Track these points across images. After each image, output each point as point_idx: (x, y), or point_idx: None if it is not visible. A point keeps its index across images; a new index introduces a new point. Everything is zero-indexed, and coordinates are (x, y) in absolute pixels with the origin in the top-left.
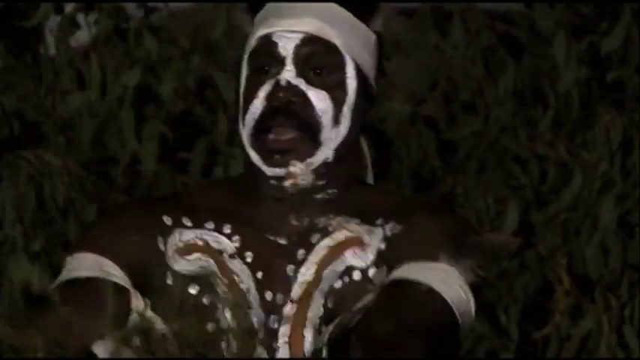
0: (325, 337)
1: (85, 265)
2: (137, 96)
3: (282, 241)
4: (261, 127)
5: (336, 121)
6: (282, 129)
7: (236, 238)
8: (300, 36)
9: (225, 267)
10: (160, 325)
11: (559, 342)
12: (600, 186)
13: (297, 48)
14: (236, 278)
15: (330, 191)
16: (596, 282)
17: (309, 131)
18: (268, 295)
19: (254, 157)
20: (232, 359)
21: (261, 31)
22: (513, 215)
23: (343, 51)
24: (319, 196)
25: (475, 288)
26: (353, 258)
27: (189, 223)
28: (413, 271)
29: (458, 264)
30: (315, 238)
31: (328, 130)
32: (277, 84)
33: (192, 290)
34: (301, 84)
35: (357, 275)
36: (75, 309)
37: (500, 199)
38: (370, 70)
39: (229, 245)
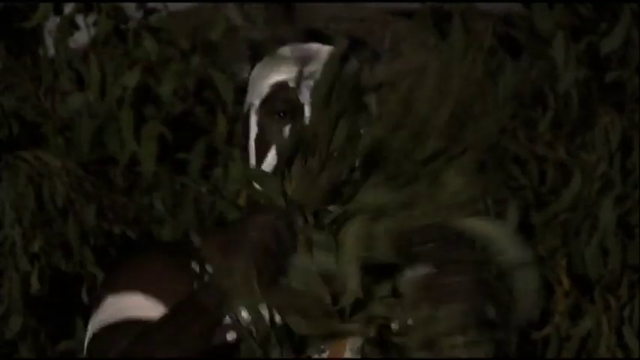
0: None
1: (142, 306)
2: (136, 97)
3: None
4: (282, 167)
5: None
6: None
7: None
8: None
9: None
10: None
11: (559, 342)
12: (600, 187)
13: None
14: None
15: None
16: (596, 282)
17: None
18: None
19: None
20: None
21: (276, 77)
22: (513, 216)
23: None
24: None
25: None
26: None
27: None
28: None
29: None
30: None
31: None
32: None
33: (230, 337)
34: None
35: None
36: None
37: (500, 200)
38: None
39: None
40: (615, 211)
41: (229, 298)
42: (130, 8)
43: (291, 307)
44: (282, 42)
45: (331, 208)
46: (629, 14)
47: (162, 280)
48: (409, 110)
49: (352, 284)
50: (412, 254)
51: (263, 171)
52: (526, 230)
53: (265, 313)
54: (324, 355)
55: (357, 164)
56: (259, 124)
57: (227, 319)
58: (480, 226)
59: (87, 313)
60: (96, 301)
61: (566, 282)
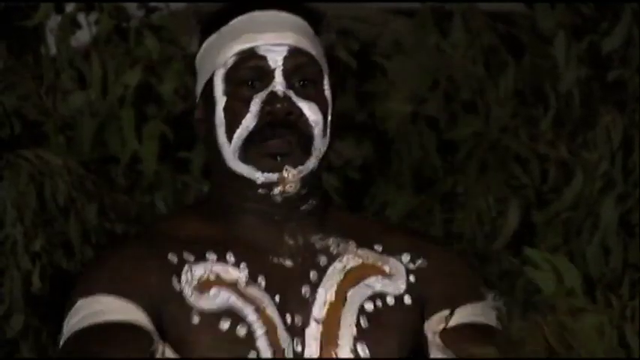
0: None
1: (113, 309)
2: (138, 95)
3: (288, 263)
4: (256, 138)
5: (324, 132)
6: (276, 140)
7: (243, 265)
8: (286, 48)
9: (245, 296)
10: None
11: None
12: (601, 186)
13: (286, 60)
14: (261, 305)
15: (310, 201)
16: (597, 281)
17: (303, 142)
18: (288, 318)
19: (243, 168)
20: None
21: (239, 46)
22: (514, 215)
23: (320, 62)
24: (303, 207)
25: None
26: (381, 285)
27: (191, 257)
28: (477, 313)
29: (495, 301)
30: (322, 260)
31: (318, 141)
32: (274, 95)
33: (225, 325)
34: (292, 96)
35: (390, 300)
36: (113, 353)
37: (501, 199)
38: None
39: (240, 275)
40: (617, 210)
41: None
42: (132, 7)
43: None
44: (231, 13)
45: None
46: (630, 14)
47: (133, 278)
48: None
49: None
50: None
51: None
52: (527, 229)
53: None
54: None
55: None
56: (227, 94)
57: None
58: None
59: None
60: (68, 305)
61: None
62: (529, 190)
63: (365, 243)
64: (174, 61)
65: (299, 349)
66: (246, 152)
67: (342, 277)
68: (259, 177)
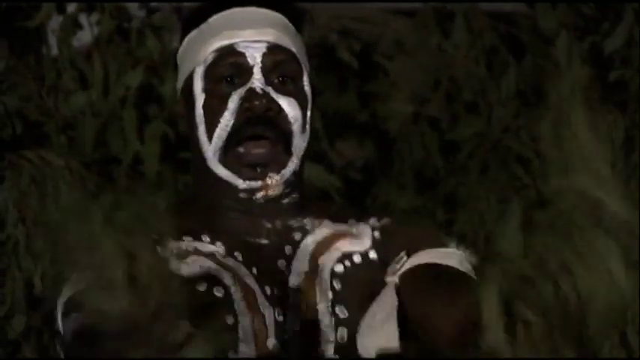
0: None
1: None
2: (139, 96)
3: (264, 242)
4: (235, 138)
5: (304, 129)
6: (255, 141)
7: (218, 244)
8: (265, 45)
9: (223, 264)
10: None
11: None
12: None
13: (264, 57)
14: (238, 273)
15: (294, 196)
16: None
17: (283, 140)
18: (267, 290)
19: (224, 173)
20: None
21: (219, 43)
22: (516, 215)
23: (300, 59)
24: (285, 201)
25: None
26: (348, 245)
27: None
28: (438, 256)
29: (460, 249)
30: (297, 236)
31: (298, 138)
32: (252, 92)
33: (202, 287)
34: (271, 92)
35: (357, 258)
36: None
37: (503, 199)
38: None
39: (216, 249)
40: None
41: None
42: (133, 7)
43: None
44: (211, 10)
45: None
46: (631, 14)
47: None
48: None
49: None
50: None
51: None
52: (529, 229)
53: None
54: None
55: None
56: (206, 91)
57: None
58: None
59: None
60: (63, 284)
61: None
62: (531, 190)
63: (339, 220)
64: None
65: (280, 318)
66: (226, 156)
67: (314, 247)
68: (241, 184)
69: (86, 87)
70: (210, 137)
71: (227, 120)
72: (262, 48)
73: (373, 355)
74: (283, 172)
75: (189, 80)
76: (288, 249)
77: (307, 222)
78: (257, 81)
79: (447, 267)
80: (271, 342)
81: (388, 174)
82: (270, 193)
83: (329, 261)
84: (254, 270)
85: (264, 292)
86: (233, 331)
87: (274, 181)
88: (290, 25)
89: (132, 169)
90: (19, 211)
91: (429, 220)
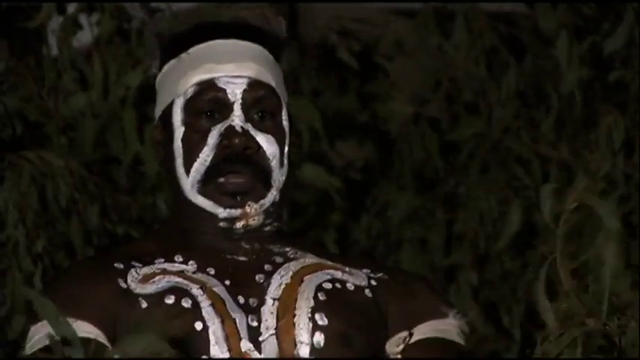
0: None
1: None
2: (139, 96)
3: (242, 259)
4: (213, 173)
5: (282, 163)
6: (236, 174)
7: (191, 262)
8: (246, 81)
9: (191, 279)
10: None
11: None
12: (603, 187)
13: (245, 93)
14: (207, 283)
15: (275, 224)
16: None
17: (262, 176)
18: (241, 299)
19: (203, 202)
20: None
21: (199, 76)
22: (516, 216)
23: (279, 94)
24: (267, 229)
25: None
26: (341, 275)
27: (139, 264)
28: (440, 330)
29: (458, 319)
30: (278, 259)
31: (276, 172)
32: (232, 130)
33: (169, 300)
34: (250, 129)
35: (350, 286)
36: None
37: (503, 200)
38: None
39: (186, 267)
40: (618, 211)
41: None
42: (134, 8)
43: None
44: (192, 40)
45: None
46: (632, 14)
47: (81, 297)
48: None
49: None
50: None
51: None
52: (529, 230)
53: None
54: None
55: None
56: (185, 124)
57: None
58: None
59: None
60: (25, 334)
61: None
62: (531, 191)
63: (327, 258)
64: None
65: (254, 324)
66: (205, 187)
67: (299, 268)
68: (221, 212)
69: (86, 87)
70: (187, 170)
71: (206, 155)
72: (243, 84)
73: None
74: (262, 201)
75: (168, 110)
76: (267, 267)
77: (290, 250)
78: (237, 118)
79: (451, 342)
80: (245, 344)
81: (388, 174)
82: (251, 222)
83: (316, 278)
84: (227, 282)
85: (236, 300)
86: (203, 336)
87: (253, 210)
88: (270, 56)
89: (132, 169)
90: (19, 211)
91: (427, 279)
